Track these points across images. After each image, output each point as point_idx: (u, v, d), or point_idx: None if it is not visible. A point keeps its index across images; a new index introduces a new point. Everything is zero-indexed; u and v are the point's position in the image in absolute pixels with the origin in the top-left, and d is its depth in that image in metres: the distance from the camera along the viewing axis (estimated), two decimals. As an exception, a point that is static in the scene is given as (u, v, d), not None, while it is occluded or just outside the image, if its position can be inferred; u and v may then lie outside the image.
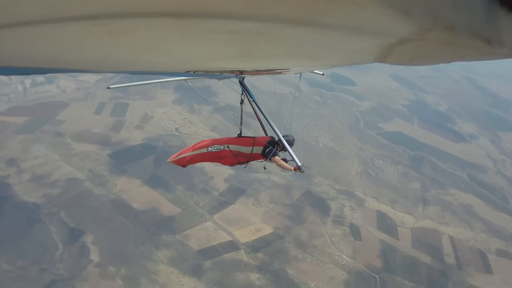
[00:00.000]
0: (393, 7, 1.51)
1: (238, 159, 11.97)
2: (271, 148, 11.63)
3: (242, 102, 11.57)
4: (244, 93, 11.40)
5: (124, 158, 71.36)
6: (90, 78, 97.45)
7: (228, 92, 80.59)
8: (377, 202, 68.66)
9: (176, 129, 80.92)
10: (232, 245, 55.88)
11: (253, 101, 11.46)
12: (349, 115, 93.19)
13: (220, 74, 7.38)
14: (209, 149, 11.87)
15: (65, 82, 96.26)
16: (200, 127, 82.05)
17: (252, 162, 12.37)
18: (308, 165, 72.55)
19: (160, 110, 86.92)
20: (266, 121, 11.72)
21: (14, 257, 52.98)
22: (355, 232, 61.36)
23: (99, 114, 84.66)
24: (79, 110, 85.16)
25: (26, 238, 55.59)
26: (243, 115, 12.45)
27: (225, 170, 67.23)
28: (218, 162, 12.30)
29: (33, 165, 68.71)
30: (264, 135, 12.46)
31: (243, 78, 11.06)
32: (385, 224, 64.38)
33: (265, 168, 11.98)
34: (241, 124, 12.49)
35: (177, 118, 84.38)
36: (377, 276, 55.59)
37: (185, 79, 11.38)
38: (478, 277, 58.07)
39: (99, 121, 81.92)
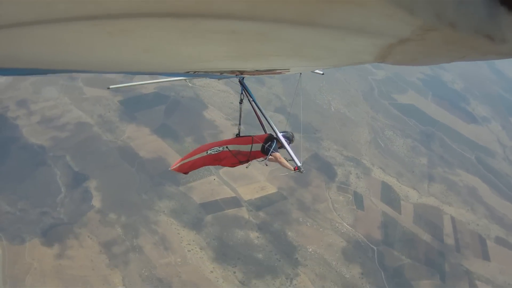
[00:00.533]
0: (398, 5, 1.51)
1: (238, 158, 11.86)
2: (270, 143, 11.53)
3: (241, 101, 11.65)
4: (243, 92, 11.34)
5: (135, 106, 70.65)
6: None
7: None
8: (383, 173, 68.66)
9: (190, 80, 79.57)
10: (235, 202, 56.12)
11: (253, 100, 11.39)
12: (364, 82, 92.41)
13: (220, 75, 7.42)
14: (209, 152, 11.87)
15: None
16: (214, 80, 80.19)
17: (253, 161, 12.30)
18: (318, 128, 73.66)
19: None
20: (266, 121, 11.81)
21: (15, 199, 53.19)
22: (358, 201, 61.55)
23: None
24: None
25: (30, 181, 55.74)
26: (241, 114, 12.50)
27: (236, 128, 66.30)
28: (219, 165, 12.32)
29: (43, 107, 68.46)
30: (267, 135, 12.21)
31: (243, 78, 10.98)
32: (389, 196, 64.45)
33: (266, 165, 12.11)
34: (239, 124, 12.48)
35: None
36: (375, 248, 55.96)
37: (185, 79, 11.98)
38: (474, 262, 58.52)
39: None
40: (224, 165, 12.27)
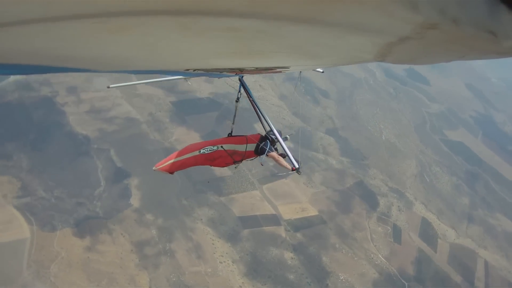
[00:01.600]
0: (401, 0, 1.53)
1: (233, 158, 11.66)
2: (264, 143, 11.49)
3: (237, 100, 11.57)
4: (242, 90, 11.29)
5: (187, 109, 70.60)
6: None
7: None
8: (424, 208, 67.90)
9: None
10: (274, 219, 55.60)
11: (252, 100, 11.17)
12: (418, 114, 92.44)
13: (220, 73, 7.35)
14: (202, 151, 11.63)
15: None
16: (269, 93, 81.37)
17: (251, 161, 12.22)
18: (366, 155, 73.79)
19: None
20: (267, 122, 11.35)
21: (52, 186, 53.63)
22: (397, 234, 60.79)
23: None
24: None
25: (70, 170, 56.24)
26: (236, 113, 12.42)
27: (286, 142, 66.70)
28: (210, 165, 12.06)
29: (93, 97, 69.34)
30: (264, 132, 12.14)
31: (242, 77, 10.88)
32: (427, 233, 63.73)
33: (262, 164, 11.79)
34: (233, 123, 12.38)
35: (249, 79, 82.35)
36: (406, 284, 55.22)
37: (184, 78, 11.39)
38: (501, 308, 58.02)
39: None
40: (216, 165, 12.00)
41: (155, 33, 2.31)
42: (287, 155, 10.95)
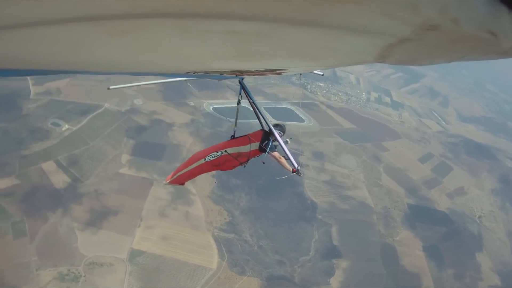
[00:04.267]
0: (402, 0, 1.54)
1: (239, 160, 11.80)
2: (266, 143, 11.47)
3: (239, 102, 11.47)
4: (243, 93, 11.20)
5: (420, 215, 70.72)
6: (433, 125, 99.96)
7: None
8: None
9: (479, 217, 79.05)
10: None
11: (253, 101, 11.26)
12: None
13: (220, 75, 7.35)
14: (207, 158, 11.81)
15: (408, 116, 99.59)
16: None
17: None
18: None
19: (476, 191, 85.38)
20: (268, 124, 11.62)
21: (261, 235, 54.64)
22: None
23: (423, 163, 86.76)
24: (406, 148, 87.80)
25: (286, 228, 56.19)
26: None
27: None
28: (218, 170, 12.24)
29: (336, 171, 69.88)
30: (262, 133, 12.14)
31: (243, 79, 10.84)
32: None
33: (263, 163, 11.61)
34: (235, 125, 12.19)
35: (486, 207, 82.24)
36: None
37: (185, 80, 11.41)
38: None
39: (418, 169, 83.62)
40: (223, 170, 12.14)
41: (155, 37, 2.30)
42: (288, 158, 11.05)
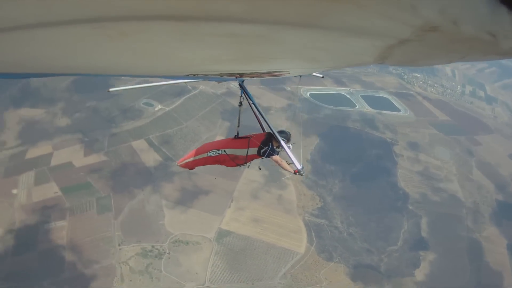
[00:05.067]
0: (402, 2, 1.54)
1: (236, 162, 11.86)
2: (266, 148, 11.40)
3: (240, 104, 11.57)
4: (243, 95, 11.28)
5: (506, 212, 69.32)
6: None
7: None
8: None
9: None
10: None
11: (253, 103, 11.33)
12: None
13: (220, 77, 7.41)
14: (209, 154, 11.93)
15: (500, 111, 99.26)
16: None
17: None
18: None
19: None
20: (269, 126, 11.66)
21: (352, 222, 56.19)
22: None
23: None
24: (499, 142, 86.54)
25: (377, 217, 58.02)
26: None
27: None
28: (221, 165, 12.22)
29: (430, 162, 69.62)
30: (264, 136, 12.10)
31: (243, 81, 10.80)
32: None
33: (260, 169, 12.13)
34: (238, 126, 12.24)
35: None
36: None
37: (185, 82, 11.76)
38: None
39: (509, 165, 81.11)
40: (226, 166, 12.12)
41: (155, 39, 2.30)
42: (289, 157, 10.95)
